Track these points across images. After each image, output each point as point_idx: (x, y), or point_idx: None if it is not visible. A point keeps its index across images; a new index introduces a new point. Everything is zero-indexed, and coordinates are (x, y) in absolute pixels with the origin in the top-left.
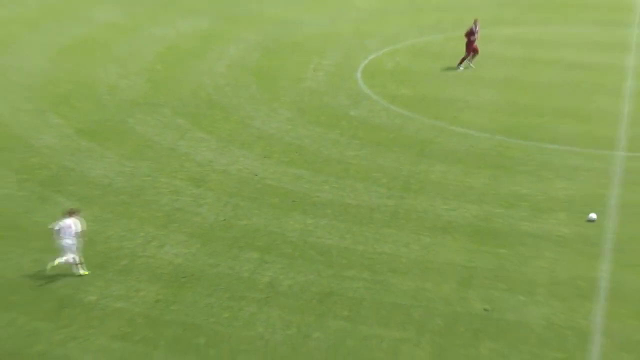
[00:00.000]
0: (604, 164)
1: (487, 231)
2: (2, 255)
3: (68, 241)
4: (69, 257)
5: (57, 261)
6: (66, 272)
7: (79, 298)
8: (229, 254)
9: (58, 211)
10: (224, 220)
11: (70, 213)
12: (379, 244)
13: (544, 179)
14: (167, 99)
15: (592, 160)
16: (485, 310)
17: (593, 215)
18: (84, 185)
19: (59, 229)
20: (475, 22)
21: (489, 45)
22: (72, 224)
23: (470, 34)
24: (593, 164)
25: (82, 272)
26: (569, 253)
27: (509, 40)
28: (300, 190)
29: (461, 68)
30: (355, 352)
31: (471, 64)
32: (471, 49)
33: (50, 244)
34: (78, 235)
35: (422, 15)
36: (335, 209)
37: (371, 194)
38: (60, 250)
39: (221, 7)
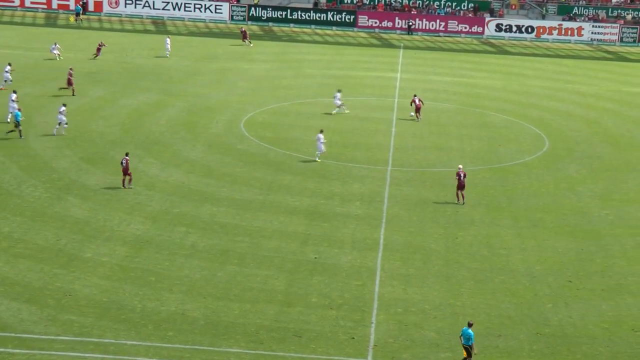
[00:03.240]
0: (381, 174)
1: (316, 213)
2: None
3: (320, 144)
4: (320, 151)
5: (318, 153)
6: (69, 245)
7: (81, 255)
8: (167, 228)
9: (70, 206)
10: (165, 209)
11: (321, 131)
12: (254, 221)
13: (347, 183)
14: (132, 140)
15: (374, 172)
16: (315, 257)
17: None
18: (84, 189)
19: (317, 138)
20: (415, 96)
21: (316, 107)
22: (322, 136)
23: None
24: (374, 174)
25: (318, 160)
26: (362, 224)
27: (326, 105)
28: (209, 191)
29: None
30: (241, 283)
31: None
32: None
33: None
34: (322, 141)
35: (277, 91)
36: (229, 202)
37: (250, 193)
38: (317, 149)
39: (164, 87)
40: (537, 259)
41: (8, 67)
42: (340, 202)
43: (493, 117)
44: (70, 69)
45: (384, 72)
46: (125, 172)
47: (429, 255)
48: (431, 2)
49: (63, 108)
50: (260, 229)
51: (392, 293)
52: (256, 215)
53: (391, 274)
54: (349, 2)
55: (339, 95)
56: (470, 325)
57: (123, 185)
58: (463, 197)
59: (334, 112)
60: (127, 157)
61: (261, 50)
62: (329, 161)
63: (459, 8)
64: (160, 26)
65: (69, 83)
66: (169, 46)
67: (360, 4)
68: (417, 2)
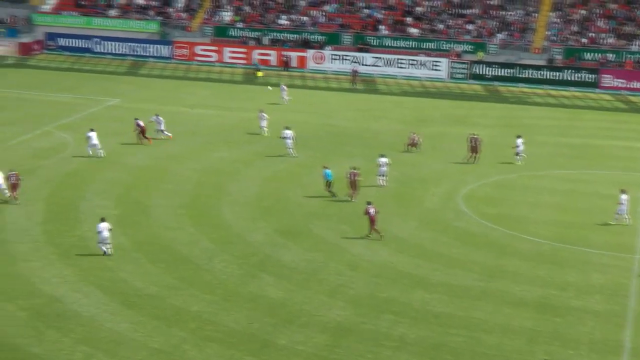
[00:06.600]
0: (626, 262)
1: (546, 306)
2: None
3: (623, 207)
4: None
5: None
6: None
7: (274, 342)
8: (372, 315)
9: (265, 285)
10: (370, 293)
11: (623, 190)
12: (473, 311)
13: (584, 271)
14: (334, 212)
15: (617, 260)
16: (545, 359)
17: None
18: (279, 267)
19: (621, 200)
20: None
21: (543, 180)
22: (625, 197)
23: None
24: (618, 262)
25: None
26: (603, 322)
27: (559, 178)
28: (421, 274)
29: None
30: None
31: None
32: None
33: None
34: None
35: (502, 161)
36: (443, 287)
37: (468, 278)
38: (619, 212)
39: (370, 153)
40: None
41: (154, 117)
42: (576, 294)
43: None
44: (474, 134)
45: (632, 142)
46: (354, 185)
47: None
48: None
49: (384, 159)
50: (479, 322)
51: None
52: (475, 305)
53: None
54: (590, 59)
55: None
56: None
57: (351, 199)
58: None
59: None
60: (355, 171)
61: (484, 113)
62: (563, 245)
63: None
64: (370, 84)
65: (474, 150)
66: (285, 94)
67: (604, 61)
68: None
